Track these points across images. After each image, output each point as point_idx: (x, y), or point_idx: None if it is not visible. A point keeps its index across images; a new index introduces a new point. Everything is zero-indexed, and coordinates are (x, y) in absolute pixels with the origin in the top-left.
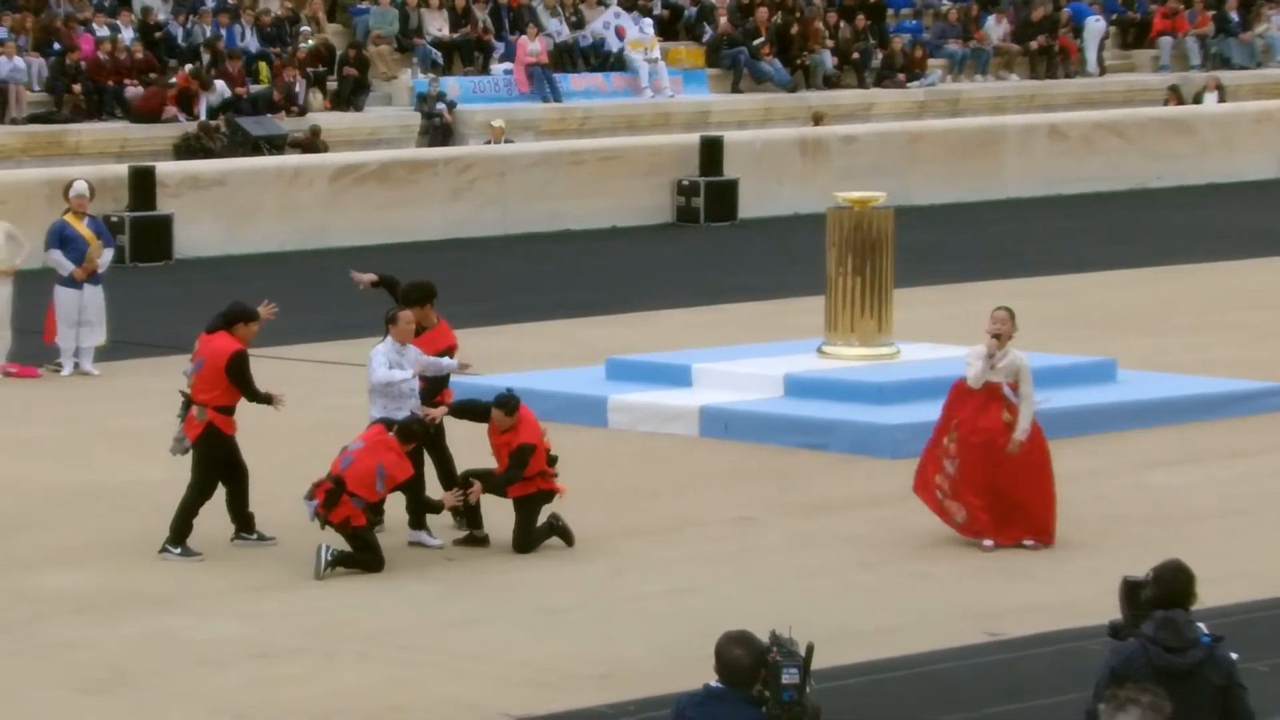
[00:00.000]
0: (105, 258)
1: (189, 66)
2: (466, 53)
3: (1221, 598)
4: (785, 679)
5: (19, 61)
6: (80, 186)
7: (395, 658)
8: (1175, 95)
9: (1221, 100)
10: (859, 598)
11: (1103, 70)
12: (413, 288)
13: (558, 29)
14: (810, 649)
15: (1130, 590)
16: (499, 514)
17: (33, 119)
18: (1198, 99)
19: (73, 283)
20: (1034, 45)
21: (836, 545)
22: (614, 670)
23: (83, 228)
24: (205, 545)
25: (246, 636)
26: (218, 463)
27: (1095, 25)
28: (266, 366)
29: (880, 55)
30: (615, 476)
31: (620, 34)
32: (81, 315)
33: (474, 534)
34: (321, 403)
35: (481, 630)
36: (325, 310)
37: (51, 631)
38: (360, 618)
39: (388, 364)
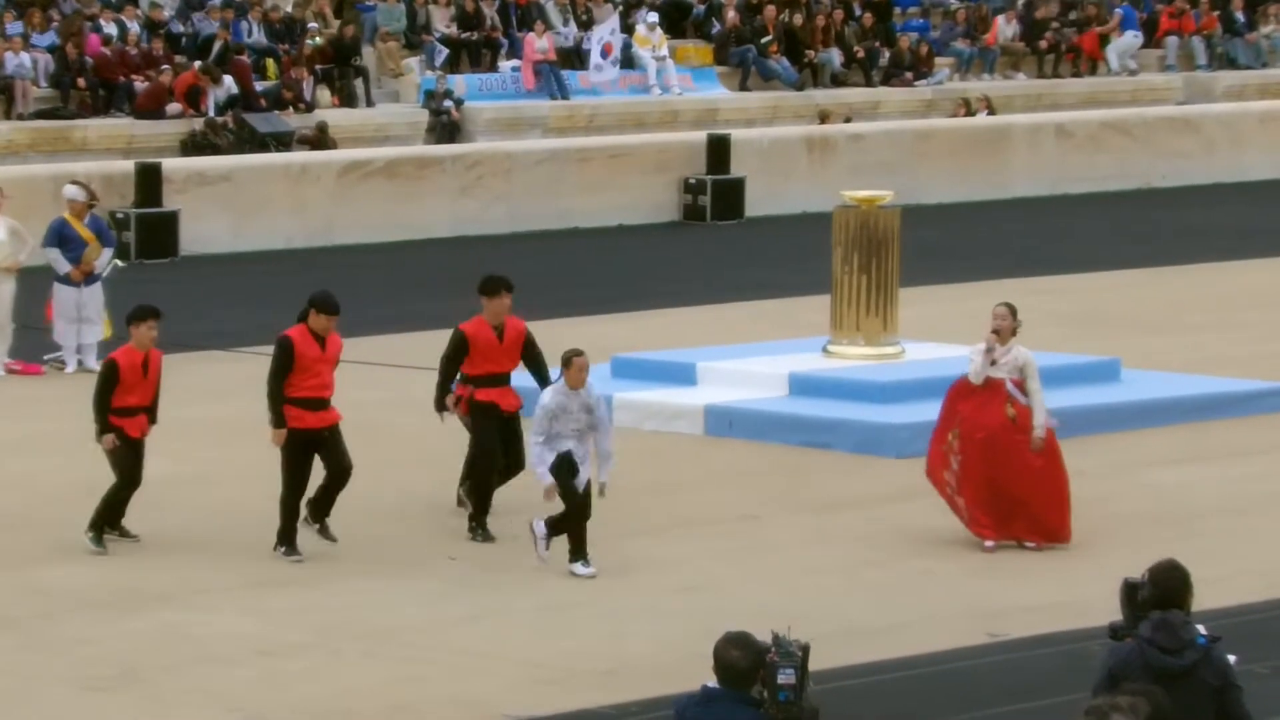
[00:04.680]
0: (104, 258)
1: (198, 64)
2: (474, 50)
3: (1225, 598)
4: (781, 679)
5: (25, 57)
6: (70, 190)
7: (400, 655)
8: (965, 106)
9: (991, 114)
10: (864, 596)
11: (1130, 72)
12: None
13: (566, 30)
14: (806, 649)
15: (1130, 592)
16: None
17: (39, 114)
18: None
19: (71, 281)
20: (1043, 44)
21: (841, 543)
22: (619, 668)
23: (81, 227)
24: (217, 541)
25: (253, 633)
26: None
27: (1131, 39)
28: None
29: (887, 54)
30: (620, 474)
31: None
32: (81, 313)
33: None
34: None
35: (487, 628)
36: None
37: (60, 628)
38: (365, 615)
39: (546, 412)
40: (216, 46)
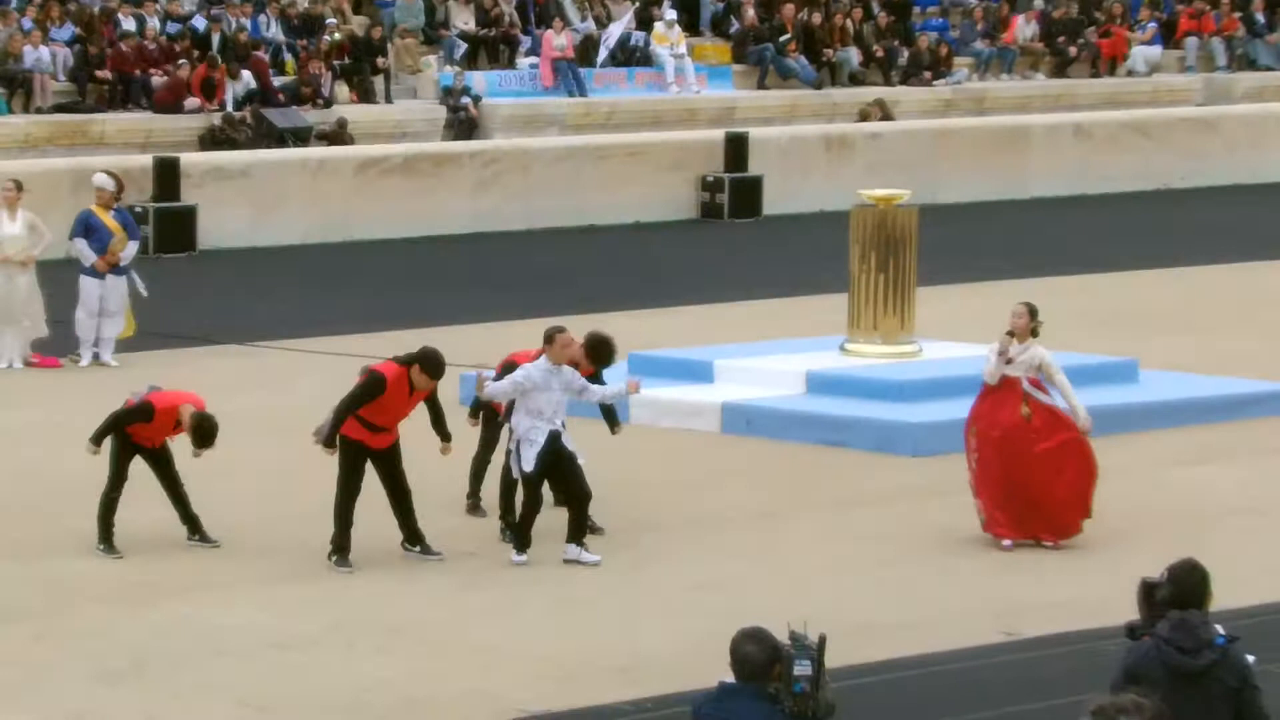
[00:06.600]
0: (129, 250)
1: (212, 53)
2: (492, 46)
3: (1242, 598)
4: (797, 671)
5: (44, 51)
6: (100, 179)
7: (415, 650)
8: (879, 108)
9: (885, 119)
10: (880, 594)
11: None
12: (598, 345)
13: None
14: (823, 641)
15: (1148, 591)
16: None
17: (58, 108)
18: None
19: (95, 273)
20: (1072, 49)
21: (858, 542)
22: (634, 664)
23: (108, 219)
24: (231, 535)
25: (266, 627)
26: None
27: (1151, 51)
28: (287, 359)
29: (906, 53)
30: (637, 471)
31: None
32: (103, 306)
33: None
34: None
35: (502, 622)
36: (348, 303)
37: (73, 619)
38: (380, 609)
39: (517, 386)
40: (215, 39)
